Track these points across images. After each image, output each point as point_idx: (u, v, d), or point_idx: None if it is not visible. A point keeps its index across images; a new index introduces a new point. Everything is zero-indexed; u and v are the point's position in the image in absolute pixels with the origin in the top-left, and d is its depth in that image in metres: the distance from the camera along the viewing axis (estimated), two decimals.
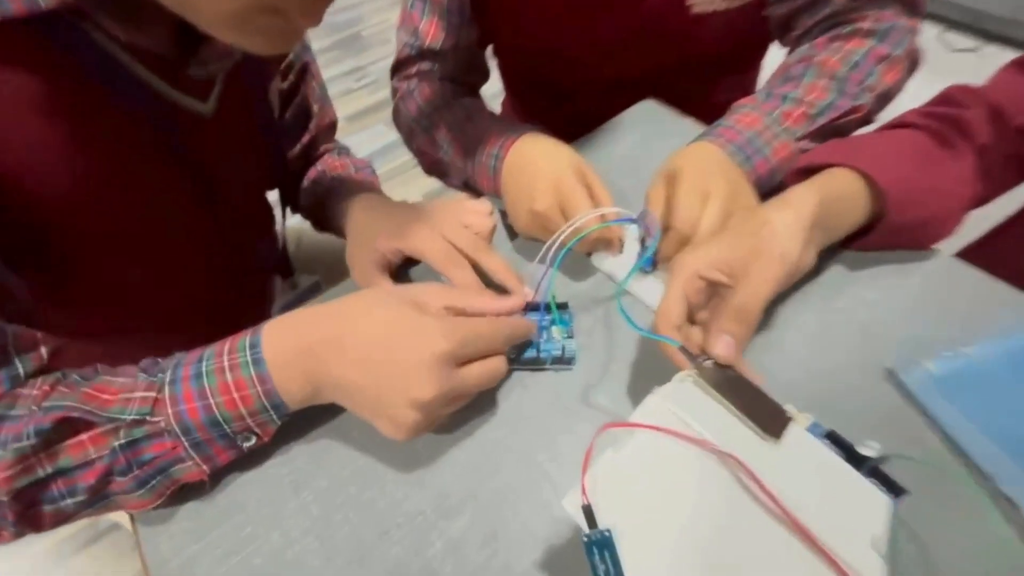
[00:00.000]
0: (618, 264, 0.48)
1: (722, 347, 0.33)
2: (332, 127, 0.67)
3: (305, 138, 0.63)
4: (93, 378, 0.35)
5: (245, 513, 0.36)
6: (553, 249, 0.41)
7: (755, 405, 0.29)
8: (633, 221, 0.44)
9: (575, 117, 0.66)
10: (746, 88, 0.74)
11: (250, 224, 0.58)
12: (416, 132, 0.62)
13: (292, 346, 0.35)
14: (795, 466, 0.27)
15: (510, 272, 0.45)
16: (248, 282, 0.62)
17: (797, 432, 0.29)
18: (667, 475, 0.27)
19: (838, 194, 0.41)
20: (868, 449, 0.29)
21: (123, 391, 0.33)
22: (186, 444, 0.33)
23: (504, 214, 0.53)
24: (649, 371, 0.42)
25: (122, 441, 0.32)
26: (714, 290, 0.37)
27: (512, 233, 0.53)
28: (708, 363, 0.32)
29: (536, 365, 0.42)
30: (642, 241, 0.45)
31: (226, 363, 0.34)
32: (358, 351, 0.34)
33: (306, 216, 0.65)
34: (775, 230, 0.37)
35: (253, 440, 0.36)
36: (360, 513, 0.36)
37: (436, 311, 0.37)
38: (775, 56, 0.65)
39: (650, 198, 0.46)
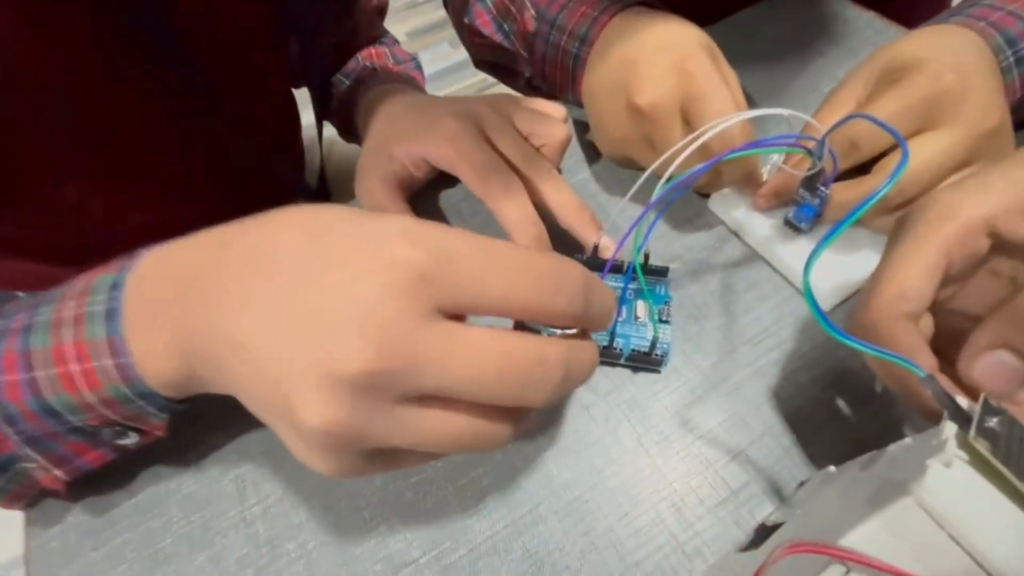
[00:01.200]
0: (756, 217, 0.31)
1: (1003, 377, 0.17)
2: (381, 11, 0.51)
3: (345, 25, 0.47)
4: None
5: (165, 519, 0.25)
6: (671, 169, 0.23)
7: None
8: (802, 148, 0.26)
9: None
10: None
11: (259, 131, 0.44)
12: (461, 5, 0.43)
13: (165, 287, 0.19)
14: None
15: (584, 210, 0.30)
16: (262, 207, 0.47)
17: None
18: None
19: None
20: None
21: None
22: (15, 438, 0.21)
23: (582, 127, 0.36)
24: (805, 399, 0.26)
25: None
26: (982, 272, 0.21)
27: (592, 155, 0.37)
28: (993, 420, 0.16)
29: (605, 358, 0.27)
30: (811, 180, 0.27)
31: (70, 311, 0.20)
32: (258, 284, 0.16)
33: (333, 121, 0.51)
34: None
35: (134, 437, 0.23)
36: (320, 545, 0.24)
37: None
38: None
39: (833, 104, 0.28)
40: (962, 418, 0.16)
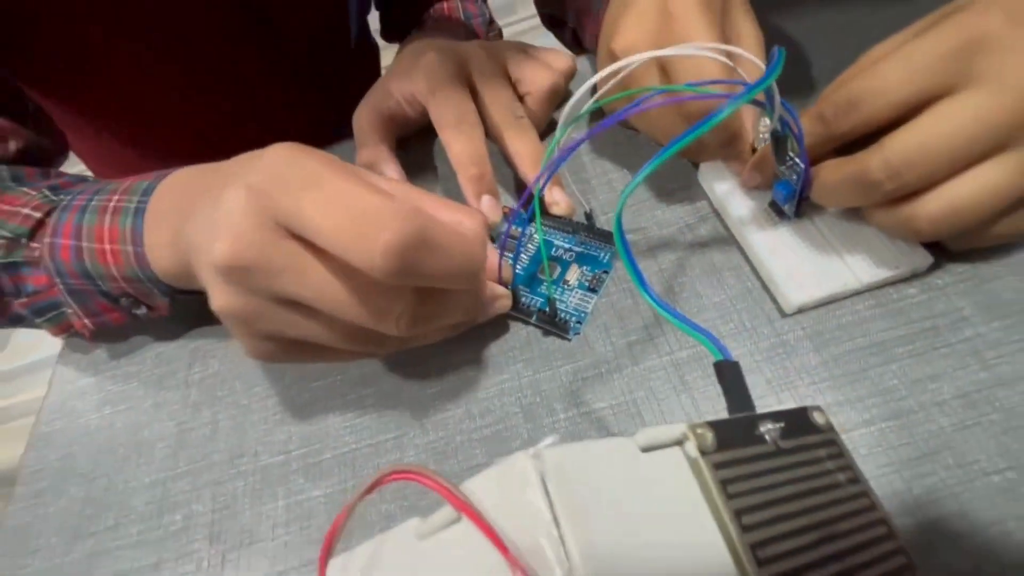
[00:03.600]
0: (739, 196, 0.26)
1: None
2: None
3: None
4: (19, 184, 0.30)
5: (140, 365, 0.31)
6: (570, 104, 0.21)
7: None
8: (739, 98, 0.21)
9: None
10: None
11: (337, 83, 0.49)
12: None
13: (175, 199, 0.25)
14: None
15: (536, 162, 0.28)
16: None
17: None
18: None
19: None
20: None
21: (20, 202, 0.28)
22: (61, 287, 0.27)
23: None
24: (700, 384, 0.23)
25: (2, 261, 0.27)
26: None
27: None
28: (768, 426, 0.12)
29: (518, 313, 0.26)
30: (779, 147, 0.23)
31: (113, 202, 0.26)
32: (206, 200, 0.21)
33: None
34: None
35: (144, 310, 0.28)
36: (228, 420, 0.27)
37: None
38: None
39: (871, 57, 0.22)
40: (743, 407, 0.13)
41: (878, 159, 0.20)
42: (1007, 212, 0.20)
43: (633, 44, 0.25)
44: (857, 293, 0.23)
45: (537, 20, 0.46)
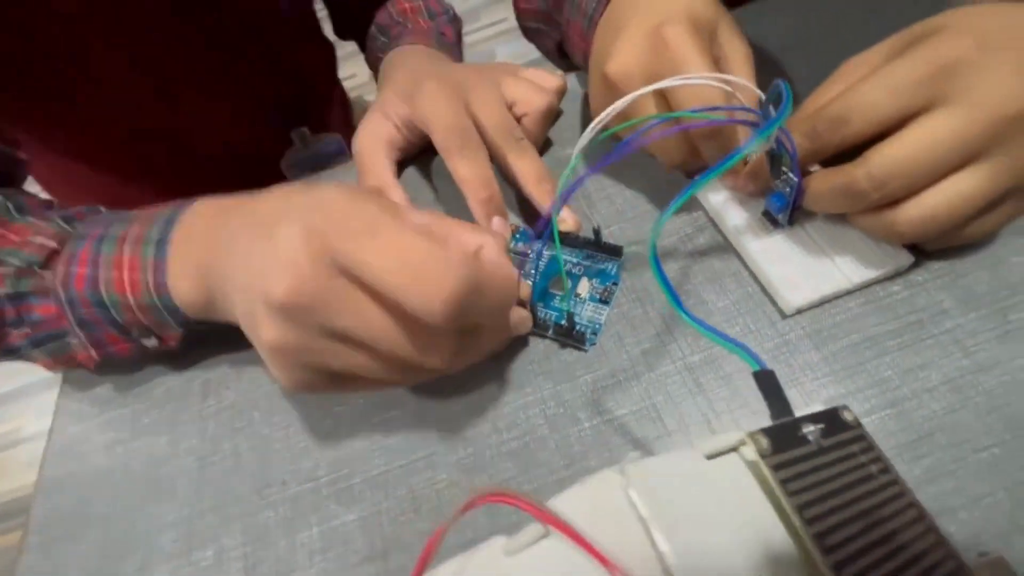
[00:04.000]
0: (735, 205, 0.28)
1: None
2: None
3: None
4: (23, 215, 0.30)
5: (149, 399, 0.30)
6: (587, 133, 0.23)
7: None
8: (742, 122, 0.22)
9: None
10: None
11: (296, 76, 0.49)
12: None
13: (199, 231, 0.26)
14: None
15: (544, 181, 0.29)
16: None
17: None
18: None
19: None
20: None
21: (31, 233, 0.28)
22: (71, 317, 0.27)
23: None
24: (727, 382, 0.24)
25: (7, 290, 0.27)
26: None
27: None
28: (811, 428, 0.13)
29: (536, 329, 0.27)
30: (775, 163, 0.25)
31: (134, 232, 0.27)
32: (242, 237, 0.22)
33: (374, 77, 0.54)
34: None
35: (154, 341, 0.28)
36: (251, 451, 0.27)
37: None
38: None
39: (841, 76, 0.25)
40: (784, 412, 0.14)
41: (864, 171, 0.22)
42: (978, 215, 0.22)
43: (627, 70, 0.26)
44: (848, 292, 0.25)
45: (500, 27, 0.47)
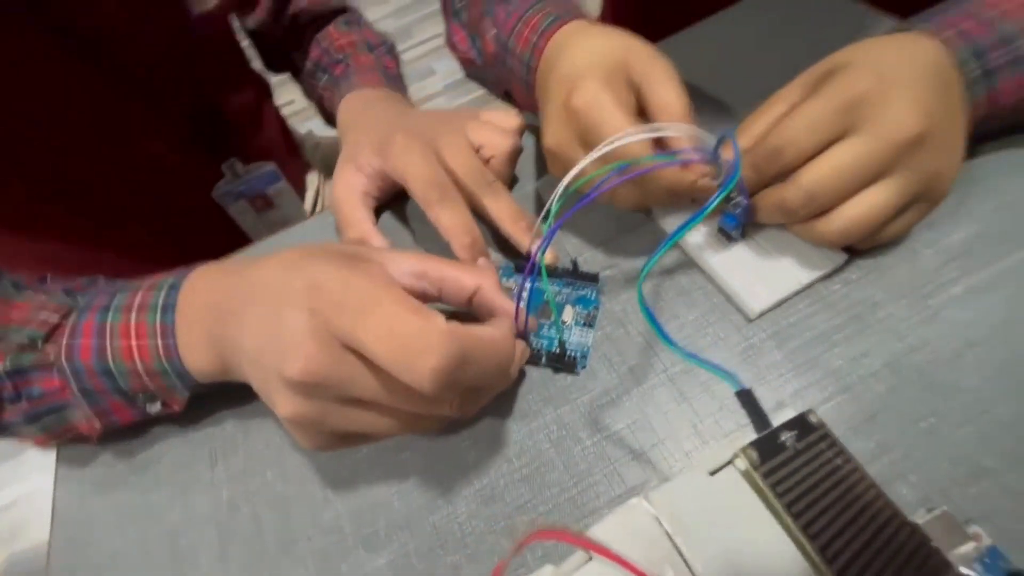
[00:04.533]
0: (694, 231, 0.31)
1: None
2: None
3: None
4: (21, 291, 0.30)
5: (156, 473, 0.31)
6: (552, 200, 0.25)
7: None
8: (692, 161, 0.26)
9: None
10: None
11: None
12: (448, 15, 0.45)
13: (204, 299, 0.27)
14: None
15: (520, 219, 0.32)
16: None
17: None
18: None
19: None
20: None
21: (33, 308, 0.28)
22: (75, 388, 0.27)
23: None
24: (712, 402, 0.27)
25: (7, 367, 0.27)
26: None
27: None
28: (788, 435, 0.16)
29: (530, 359, 0.29)
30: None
31: (138, 300, 0.27)
32: (251, 310, 0.24)
33: (317, 108, 0.55)
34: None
35: (158, 406, 0.29)
36: (271, 511, 0.28)
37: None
38: None
39: (767, 110, 0.28)
40: (764, 425, 0.17)
41: (793, 190, 0.26)
42: (891, 220, 0.27)
43: (559, 141, 0.29)
44: (799, 292, 0.29)
45: (434, 44, 0.49)
